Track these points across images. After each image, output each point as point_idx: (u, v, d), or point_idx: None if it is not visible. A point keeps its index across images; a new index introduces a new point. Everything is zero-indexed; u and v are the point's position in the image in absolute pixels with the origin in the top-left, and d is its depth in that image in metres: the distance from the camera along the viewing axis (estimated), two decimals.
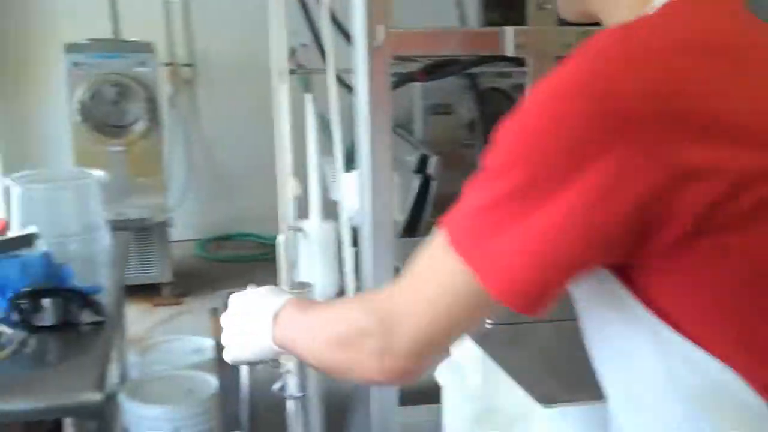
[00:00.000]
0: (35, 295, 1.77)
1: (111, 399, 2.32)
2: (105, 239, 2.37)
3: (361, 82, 1.62)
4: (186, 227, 4.55)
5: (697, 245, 0.77)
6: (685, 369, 0.81)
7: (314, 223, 2.73)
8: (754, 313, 0.80)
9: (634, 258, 0.79)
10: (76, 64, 3.89)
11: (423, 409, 1.23)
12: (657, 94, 0.76)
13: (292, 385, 1.21)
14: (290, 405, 1.21)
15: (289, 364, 1.22)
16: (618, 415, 0.91)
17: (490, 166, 0.80)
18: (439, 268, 0.82)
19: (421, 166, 3.31)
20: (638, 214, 0.76)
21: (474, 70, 3.26)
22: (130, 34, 4.33)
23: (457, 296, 0.81)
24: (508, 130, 0.80)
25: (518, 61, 2.12)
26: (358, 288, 1.38)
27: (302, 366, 1.22)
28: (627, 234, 0.77)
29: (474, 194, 0.81)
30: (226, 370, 2.30)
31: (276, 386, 1.32)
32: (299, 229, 2.51)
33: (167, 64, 4.56)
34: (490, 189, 0.79)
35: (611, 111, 0.75)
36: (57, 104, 4.08)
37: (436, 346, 0.85)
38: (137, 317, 3.69)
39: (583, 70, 0.78)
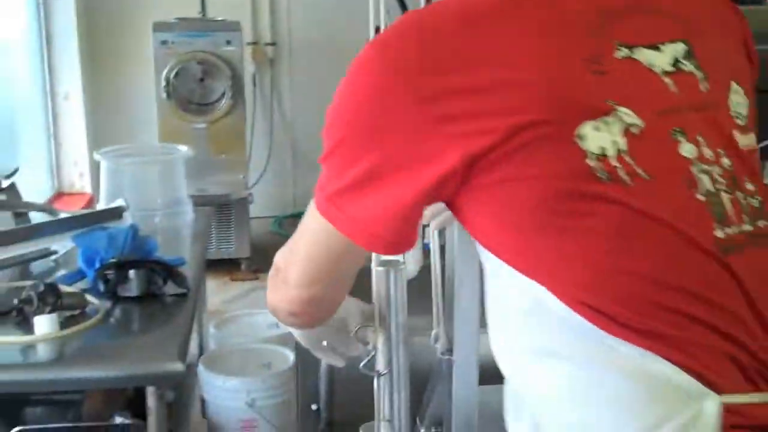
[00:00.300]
0: (121, 266, 1.82)
1: (189, 369, 2.38)
2: (188, 214, 2.43)
3: None
4: (264, 204, 4.62)
5: (487, 182, 0.89)
6: (513, 291, 0.93)
7: None
8: (552, 235, 0.89)
9: (459, 197, 0.93)
10: (163, 43, 3.98)
11: (502, 389, 1.24)
12: (431, 64, 0.88)
13: (379, 362, 1.23)
14: (377, 382, 1.23)
15: (377, 342, 1.24)
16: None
17: (326, 138, 0.95)
18: (310, 224, 1.02)
19: None
20: (438, 172, 0.88)
21: None
22: (216, 13, 4.40)
23: (324, 248, 1.01)
24: (333, 103, 0.94)
25: None
26: (443, 266, 1.38)
27: (389, 343, 1.24)
28: (440, 184, 0.89)
29: (325, 165, 0.97)
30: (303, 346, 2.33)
31: (363, 364, 1.34)
32: None
33: (251, 43, 4.62)
34: (332, 161, 0.95)
35: (400, 82, 0.89)
36: (145, 82, 4.17)
37: (318, 281, 1.05)
38: (215, 291, 3.77)
39: (376, 44, 0.93)
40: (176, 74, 3.96)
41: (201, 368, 2.31)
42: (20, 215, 2.21)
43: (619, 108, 0.89)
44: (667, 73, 0.94)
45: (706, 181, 0.91)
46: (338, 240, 0.97)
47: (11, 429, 1.99)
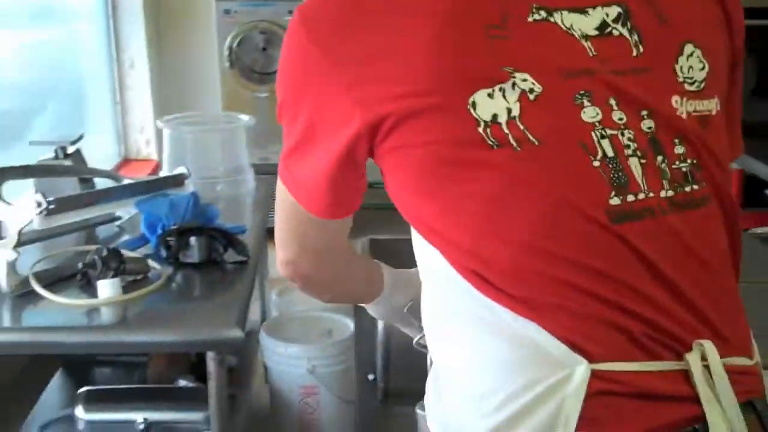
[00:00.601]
0: (183, 232, 1.84)
1: (251, 336, 2.41)
2: (249, 182, 2.44)
3: None
4: None
5: (388, 147, 0.91)
6: (420, 254, 0.97)
7: None
8: (440, 201, 0.91)
9: (376, 160, 0.96)
10: (226, 12, 3.99)
11: None
12: (346, 30, 0.91)
13: None
14: (429, 358, 1.23)
15: None
16: None
17: (278, 105, 1.01)
18: (279, 192, 1.10)
19: None
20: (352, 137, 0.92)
21: None
22: None
23: (287, 210, 1.10)
24: (278, 71, 1.00)
25: None
26: None
27: None
28: (351, 147, 0.93)
29: (282, 126, 1.03)
30: (363, 315, 2.34)
31: (416, 340, 1.35)
32: None
33: None
34: (282, 122, 1.03)
35: (320, 47, 0.92)
36: (208, 51, 4.20)
37: (289, 244, 1.14)
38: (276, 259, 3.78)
39: (299, 13, 0.96)
40: (239, 43, 3.98)
41: (263, 335, 2.33)
42: (85, 181, 2.24)
43: (516, 74, 0.88)
44: (588, 37, 0.91)
45: (606, 146, 0.89)
46: (294, 202, 1.05)
47: (79, 389, 2.04)
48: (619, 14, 0.92)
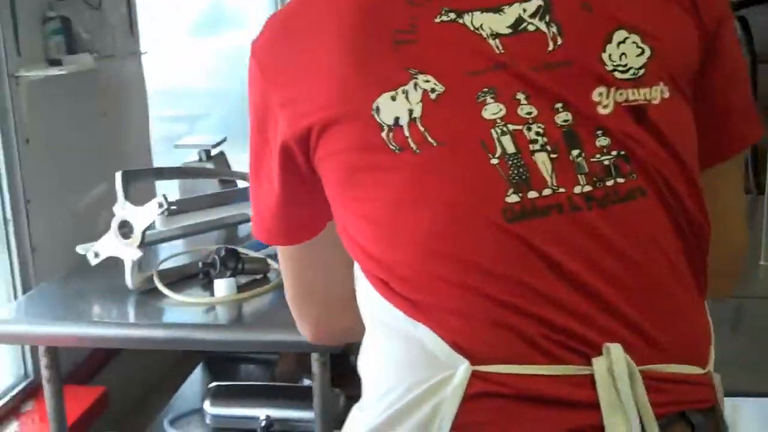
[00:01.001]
0: None
1: None
2: None
3: None
4: None
5: (317, 158, 0.91)
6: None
7: None
8: (350, 208, 0.91)
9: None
10: None
11: None
12: (269, 66, 0.94)
13: None
14: None
15: None
16: None
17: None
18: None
19: None
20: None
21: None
22: None
23: (281, 258, 1.10)
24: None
25: None
26: None
27: None
28: (286, 156, 0.93)
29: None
30: None
31: None
32: None
33: None
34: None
35: (262, 80, 0.94)
36: None
37: (298, 295, 1.11)
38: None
39: (250, 52, 0.97)
40: None
41: None
42: (227, 182, 2.33)
43: (419, 75, 0.87)
44: (498, 35, 0.87)
45: (506, 143, 0.85)
46: (282, 249, 1.07)
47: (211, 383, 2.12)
48: (539, 8, 0.88)
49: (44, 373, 1.73)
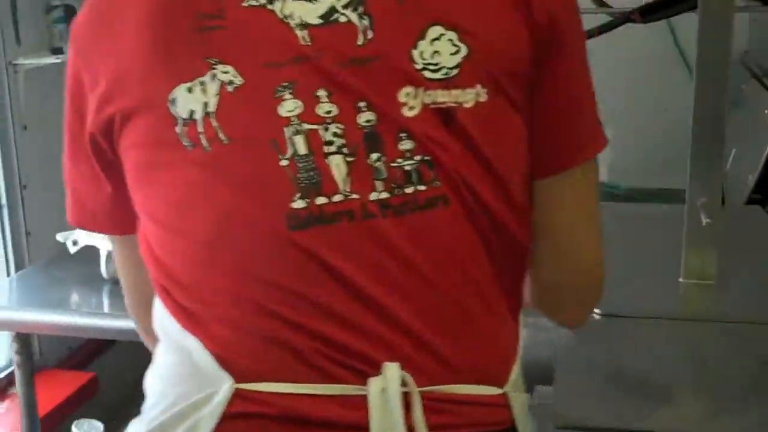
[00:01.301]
0: None
1: None
2: None
3: None
4: None
5: (120, 149, 0.86)
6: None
7: None
8: (138, 206, 0.87)
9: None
10: None
11: None
12: (83, 48, 0.88)
13: None
14: None
15: None
16: None
17: None
18: None
19: None
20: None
21: None
22: None
23: None
24: None
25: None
26: None
27: None
28: (94, 145, 0.88)
29: None
30: None
31: None
32: None
33: None
34: None
35: (80, 64, 0.88)
36: None
37: (124, 288, 1.03)
38: None
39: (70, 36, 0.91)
40: None
41: None
42: None
43: (218, 65, 0.80)
44: (306, 26, 0.80)
45: (299, 143, 0.79)
46: None
47: None
48: None
49: (15, 358, 1.75)
